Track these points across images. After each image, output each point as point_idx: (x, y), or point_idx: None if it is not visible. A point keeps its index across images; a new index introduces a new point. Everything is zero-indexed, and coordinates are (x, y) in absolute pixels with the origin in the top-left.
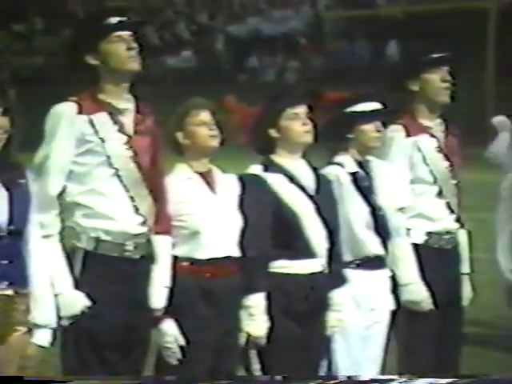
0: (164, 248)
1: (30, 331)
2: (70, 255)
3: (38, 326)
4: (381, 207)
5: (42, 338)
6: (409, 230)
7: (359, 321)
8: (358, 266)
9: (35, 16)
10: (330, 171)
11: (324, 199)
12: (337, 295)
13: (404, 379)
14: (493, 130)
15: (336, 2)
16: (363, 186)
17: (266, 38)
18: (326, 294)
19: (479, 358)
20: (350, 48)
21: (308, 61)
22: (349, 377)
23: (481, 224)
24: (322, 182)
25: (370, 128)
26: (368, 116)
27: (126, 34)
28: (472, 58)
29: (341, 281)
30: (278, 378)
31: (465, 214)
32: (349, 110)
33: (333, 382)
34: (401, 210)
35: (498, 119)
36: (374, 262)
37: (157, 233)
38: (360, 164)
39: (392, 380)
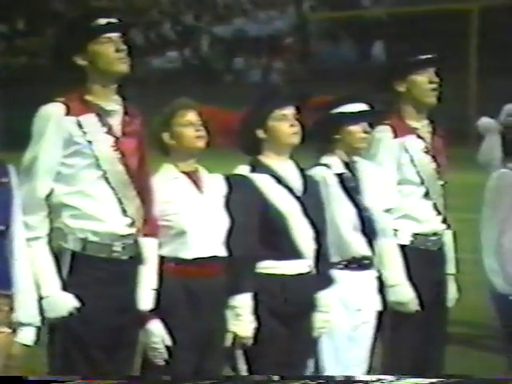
0: (151, 250)
1: (14, 332)
2: (57, 256)
3: (21, 325)
4: (368, 208)
5: (26, 336)
6: (395, 230)
7: (346, 321)
8: (345, 267)
9: (17, 16)
10: (317, 172)
11: (311, 200)
12: (324, 296)
13: (390, 379)
14: (476, 131)
15: (321, 2)
16: (350, 187)
17: (251, 39)
18: (312, 294)
19: (464, 358)
20: (336, 49)
21: (293, 62)
22: (335, 377)
23: (467, 225)
24: (309, 183)
25: (356, 129)
26: (355, 117)
27: (115, 35)
28: (455, 59)
29: (328, 282)
30: (265, 378)
31: (451, 215)
32: (336, 111)
33: (319, 381)
34: (388, 210)
35: (484, 121)
36: (360, 263)
37: (144, 235)
38: (347, 165)
39: (378, 380)
